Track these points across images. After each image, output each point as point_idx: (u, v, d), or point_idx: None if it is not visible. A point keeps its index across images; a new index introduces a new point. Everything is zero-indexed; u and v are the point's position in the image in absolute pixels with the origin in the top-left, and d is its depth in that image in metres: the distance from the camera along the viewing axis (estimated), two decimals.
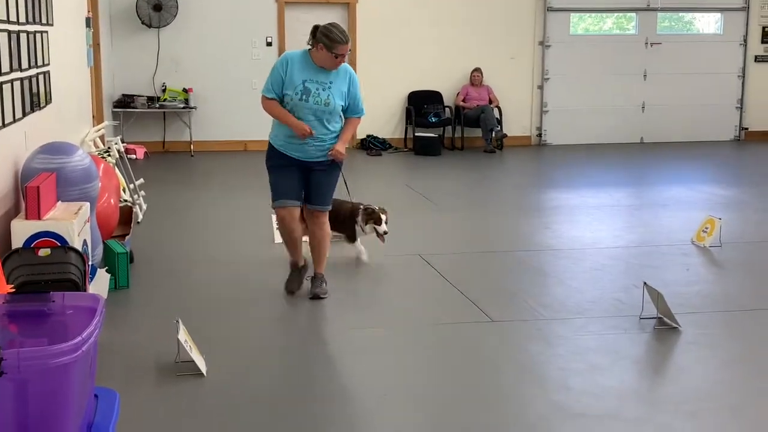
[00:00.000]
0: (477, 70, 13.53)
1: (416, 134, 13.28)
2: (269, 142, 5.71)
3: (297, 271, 5.94)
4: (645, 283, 5.41)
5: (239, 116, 12.57)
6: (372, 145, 13.29)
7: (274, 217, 6.50)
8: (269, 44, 13.07)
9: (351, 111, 5.67)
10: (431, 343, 5.13)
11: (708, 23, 14.75)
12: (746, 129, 14.79)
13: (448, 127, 13.58)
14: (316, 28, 5.43)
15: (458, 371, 4.68)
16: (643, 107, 14.41)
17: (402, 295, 6.11)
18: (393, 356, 4.90)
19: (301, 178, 5.67)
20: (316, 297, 5.76)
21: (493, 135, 13.24)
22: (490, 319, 5.39)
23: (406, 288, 6.31)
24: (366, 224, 6.52)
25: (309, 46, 5.52)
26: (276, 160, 5.66)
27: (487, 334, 5.20)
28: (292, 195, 5.66)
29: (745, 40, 14.54)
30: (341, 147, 5.60)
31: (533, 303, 5.75)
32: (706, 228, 7.38)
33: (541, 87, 14.13)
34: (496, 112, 13.45)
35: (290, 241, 5.85)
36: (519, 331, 5.24)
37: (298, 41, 12.57)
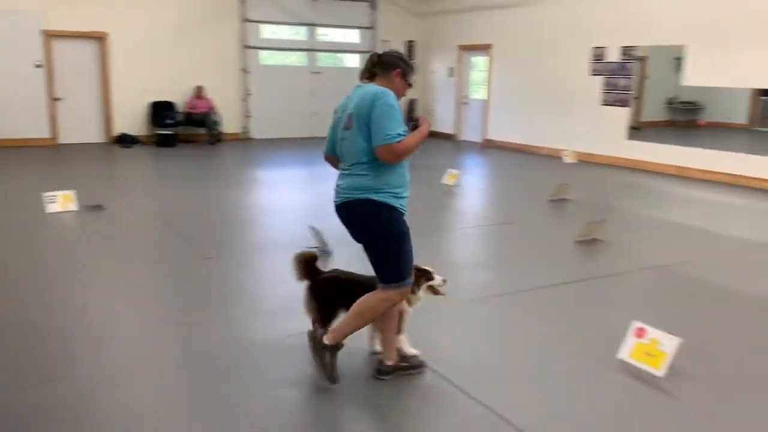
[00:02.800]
0: (200, 87, 13.14)
1: (158, 132, 12.61)
2: (386, 204, 2.99)
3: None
4: (310, 224, 5.64)
5: None
6: (125, 140, 12.47)
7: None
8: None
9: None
10: (165, 280, 4.92)
11: (351, 59, 15.37)
12: None
13: (181, 126, 13.04)
14: (379, 56, 3.14)
15: (191, 300, 4.53)
16: (313, 114, 14.77)
17: (142, 244, 5.82)
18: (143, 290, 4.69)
19: None
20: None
21: (214, 132, 13.08)
22: (207, 257, 5.30)
23: (146, 240, 5.98)
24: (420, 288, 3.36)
25: (363, 80, 3.15)
26: (404, 223, 3.06)
27: (208, 268, 5.09)
28: None
29: None
30: None
31: (243, 245, 5.77)
32: None
33: (245, 99, 14.00)
34: (215, 116, 13.21)
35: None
36: (231, 264, 5.19)
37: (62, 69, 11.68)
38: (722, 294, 4.71)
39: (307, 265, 3.36)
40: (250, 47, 13.87)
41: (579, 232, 6.03)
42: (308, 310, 3.38)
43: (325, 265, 3.58)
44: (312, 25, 14.49)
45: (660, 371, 3.33)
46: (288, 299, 4.34)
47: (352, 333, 3.15)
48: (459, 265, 5.24)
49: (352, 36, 15.17)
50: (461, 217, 7.35)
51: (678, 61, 10.19)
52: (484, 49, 13.97)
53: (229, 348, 3.61)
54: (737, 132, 12.69)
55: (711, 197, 8.62)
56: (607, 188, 9.02)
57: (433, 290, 3.38)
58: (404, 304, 3.28)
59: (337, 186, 3.13)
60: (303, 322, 3.90)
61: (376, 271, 3.07)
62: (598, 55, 11.47)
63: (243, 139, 14.02)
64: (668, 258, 5.55)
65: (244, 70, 13.88)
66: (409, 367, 3.32)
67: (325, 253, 5.33)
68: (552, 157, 11.95)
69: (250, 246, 5.68)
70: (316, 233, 5.44)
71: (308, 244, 5.53)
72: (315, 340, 3.15)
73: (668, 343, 3.38)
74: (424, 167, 10.60)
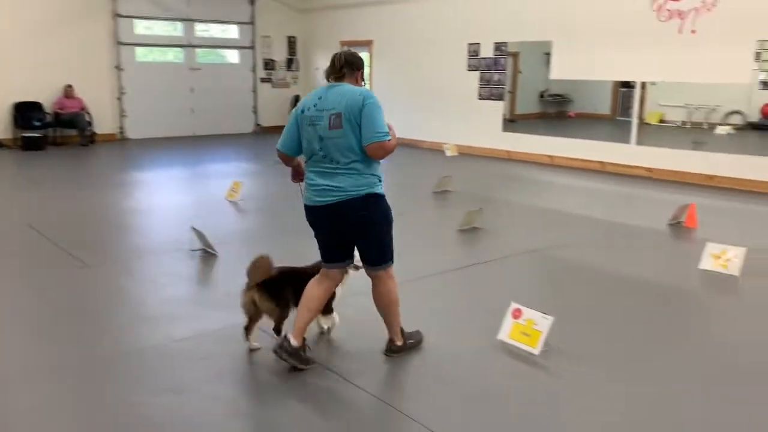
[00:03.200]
0: (69, 85, 12.36)
1: (23, 135, 11.69)
2: (382, 195, 3.29)
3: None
4: (192, 226, 5.49)
5: None
6: None
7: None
8: None
9: None
10: (41, 291, 4.64)
11: (232, 55, 15.02)
12: (260, 125, 15.45)
13: (49, 128, 12.19)
14: (342, 57, 3.26)
15: (69, 311, 4.29)
16: (193, 111, 14.32)
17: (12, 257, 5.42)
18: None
19: None
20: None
21: (86, 133, 12.35)
22: (85, 265, 5.03)
23: (16, 251, 5.54)
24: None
25: (331, 80, 3.27)
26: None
27: (86, 276, 4.84)
28: None
29: (254, 68, 15.12)
30: None
31: (120, 250, 5.52)
32: (234, 188, 7.62)
33: (119, 98, 13.34)
34: (87, 116, 12.47)
35: None
36: (110, 271, 4.96)
37: None
38: (589, 274, 5.06)
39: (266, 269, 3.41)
40: (123, 44, 13.22)
41: (460, 221, 6.26)
42: (266, 312, 3.42)
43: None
44: (188, 20, 14.03)
45: (536, 349, 3.54)
46: (171, 303, 4.22)
47: (399, 319, 3.49)
48: None
49: (232, 31, 14.84)
50: None
51: (548, 57, 10.79)
52: (365, 45, 14.11)
53: (114, 356, 3.45)
54: (602, 122, 13.64)
55: (580, 184, 9.21)
56: (485, 179, 9.40)
57: (355, 266, 3.50)
58: (339, 285, 3.50)
59: (324, 185, 3.19)
60: (187, 326, 3.82)
61: (376, 255, 3.31)
62: (474, 51, 11.91)
63: (119, 140, 13.37)
64: (542, 242, 5.88)
65: (118, 68, 13.22)
66: (416, 342, 3.58)
67: (210, 254, 5.22)
68: (435, 150, 12.29)
69: (129, 251, 5.44)
70: (200, 235, 5.31)
71: (191, 246, 5.40)
72: (391, 348, 3.49)
73: (542, 323, 3.60)
74: None
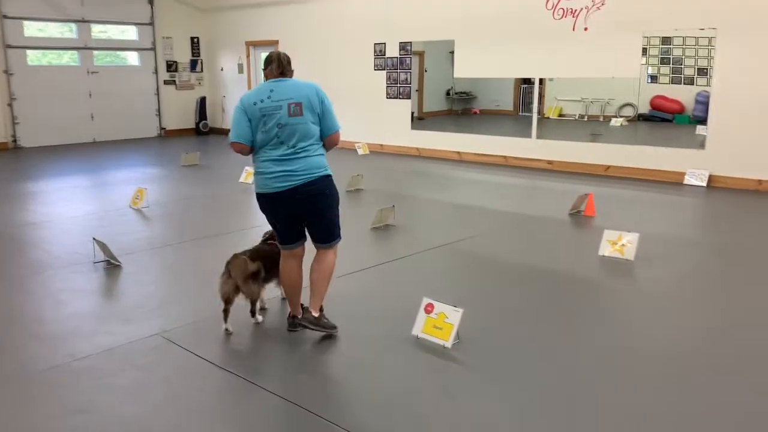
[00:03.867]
0: None
1: None
2: (331, 176, 3.69)
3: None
4: (94, 238, 5.25)
5: None
6: None
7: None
8: None
9: None
10: None
11: (132, 57, 14.44)
12: (165, 128, 14.95)
13: None
14: (285, 56, 3.74)
15: None
16: (92, 117, 13.68)
17: None
18: None
19: None
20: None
21: None
22: None
23: None
24: None
25: (274, 76, 3.65)
26: None
27: None
28: None
29: (156, 70, 14.61)
30: None
31: (14, 265, 5.19)
32: (138, 195, 7.35)
33: (10, 104, 12.55)
34: None
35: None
36: (4, 288, 4.64)
37: None
38: (497, 265, 5.22)
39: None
40: (12, 47, 12.45)
41: (373, 219, 6.29)
42: (249, 295, 3.78)
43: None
44: (83, 21, 13.38)
45: (448, 342, 3.61)
46: (73, 320, 4.01)
47: (323, 297, 3.76)
48: None
49: (131, 33, 14.27)
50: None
51: (452, 55, 11.02)
52: (271, 45, 13.93)
53: (11, 380, 3.24)
54: (506, 118, 14.07)
55: (486, 178, 9.47)
56: (397, 176, 9.50)
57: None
58: None
59: (282, 171, 3.49)
60: (91, 343, 3.65)
61: (328, 233, 3.67)
62: (380, 51, 12.01)
63: (11, 149, 12.58)
64: (452, 236, 6.01)
65: (7, 72, 12.44)
66: (330, 326, 3.78)
67: (113, 265, 5.01)
68: (347, 149, 12.30)
69: (25, 267, 5.12)
70: (102, 246, 5.08)
71: (93, 258, 5.16)
72: (307, 320, 3.72)
73: (453, 315, 3.67)
74: (220, 167, 10.35)
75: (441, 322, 3.69)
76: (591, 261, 5.28)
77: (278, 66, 3.64)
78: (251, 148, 3.60)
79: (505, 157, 10.65)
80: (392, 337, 3.76)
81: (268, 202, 3.61)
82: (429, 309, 3.77)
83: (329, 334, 3.77)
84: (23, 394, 3.12)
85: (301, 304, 3.85)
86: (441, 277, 5.02)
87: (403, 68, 11.77)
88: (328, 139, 3.66)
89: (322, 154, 3.65)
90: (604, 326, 3.99)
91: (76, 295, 4.48)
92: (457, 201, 7.71)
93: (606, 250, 5.39)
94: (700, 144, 8.85)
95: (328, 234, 3.71)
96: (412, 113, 12.02)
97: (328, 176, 3.64)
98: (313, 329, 3.74)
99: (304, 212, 3.61)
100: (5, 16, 12.33)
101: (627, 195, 8.13)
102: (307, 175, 3.53)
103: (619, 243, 5.36)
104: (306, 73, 13.31)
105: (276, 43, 13.76)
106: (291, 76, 3.70)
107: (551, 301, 4.40)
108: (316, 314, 3.74)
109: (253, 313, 3.92)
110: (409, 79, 11.76)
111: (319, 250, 3.75)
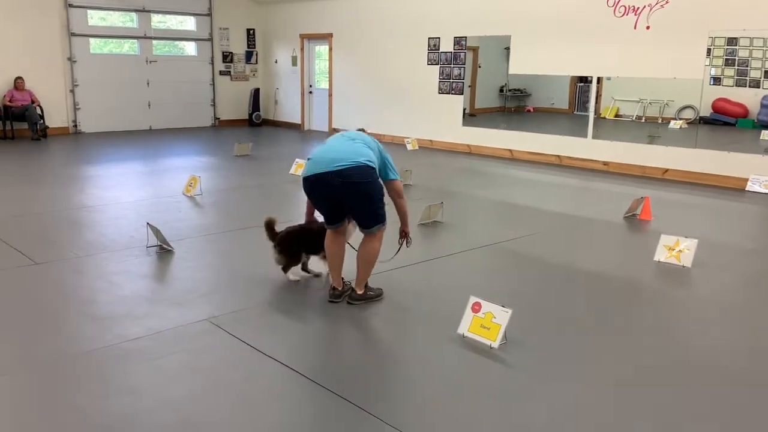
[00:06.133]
0: (20, 78, 11.97)
1: None
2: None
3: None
4: (148, 223, 5.37)
5: None
6: None
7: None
8: None
9: None
10: None
11: (190, 47, 14.73)
12: (219, 118, 15.22)
13: None
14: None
15: (14, 310, 4.12)
16: (149, 105, 14.03)
17: None
18: None
19: None
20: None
21: (38, 127, 11.95)
22: (34, 262, 4.88)
23: None
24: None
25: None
26: None
27: (34, 274, 4.66)
28: None
29: (212, 60, 14.86)
30: None
31: (70, 246, 5.35)
32: (191, 183, 7.48)
33: (72, 91, 12.97)
34: (38, 109, 12.08)
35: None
36: (60, 268, 4.79)
37: None
38: (548, 267, 5.11)
39: (269, 227, 4.37)
40: (76, 35, 12.86)
41: (421, 215, 6.25)
42: (278, 262, 4.42)
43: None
44: (144, 11, 13.71)
45: (495, 342, 3.55)
46: (124, 302, 4.11)
47: (369, 275, 4.11)
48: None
49: (189, 23, 14.56)
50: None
51: (507, 51, 10.86)
52: (324, 38, 14.00)
53: (61, 358, 3.34)
54: (561, 116, 13.81)
55: (539, 177, 9.31)
56: (446, 173, 9.43)
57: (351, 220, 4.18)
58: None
59: (331, 156, 3.82)
60: (141, 325, 3.73)
61: (367, 219, 3.93)
62: (434, 45, 11.93)
63: (72, 134, 13.01)
64: (501, 235, 5.92)
65: (71, 59, 12.85)
66: (374, 295, 4.17)
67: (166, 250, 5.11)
68: (395, 144, 12.28)
69: (81, 249, 5.28)
70: (156, 231, 5.19)
71: (147, 243, 5.28)
72: (351, 297, 4.10)
73: (501, 315, 3.61)
74: (271, 159, 10.47)
75: (488, 321, 3.64)
76: (646, 266, 5.13)
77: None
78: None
79: (559, 156, 10.45)
80: (438, 334, 3.72)
81: (309, 185, 3.91)
82: (476, 308, 3.72)
83: (378, 300, 4.14)
84: (74, 374, 3.21)
85: (347, 282, 4.17)
86: (488, 277, 4.95)
87: (456, 63, 11.67)
88: (393, 185, 4.09)
89: (370, 153, 3.90)
90: (656, 334, 3.86)
91: (128, 277, 4.59)
92: (508, 200, 7.60)
93: (662, 255, 5.23)
94: (765, 149, 8.49)
95: (367, 220, 3.94)
96: (464, 109, 11.91)
97: (370, 166, 3.84)
98: (356, 304, 4.06)
99: (341, 197, 3.85)
100: (71, 5, 12.72)
101: (685, 200, 7.88)
102: (348, 161, 3.78)
103: (676, 249, 5.19)
104: (357, 66, 13.35)
105: (330, 36, 13.83)
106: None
107: (602, 306, 4.29)
108: (360, 291, 4.08)
109: (284, 270, 4.49)
110: (462, 75, 11.66)
111: (365, 235, 4.02)
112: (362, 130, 4.33)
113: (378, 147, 4.03)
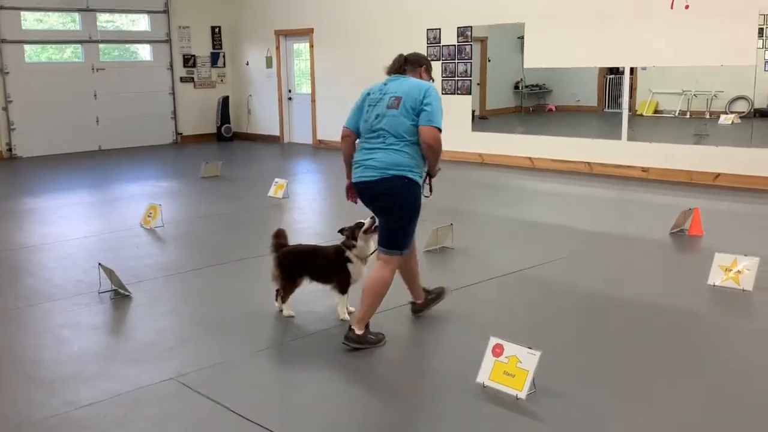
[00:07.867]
0: None
1: None
2: (416, 181, 4.10)
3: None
4: (100, 263, 5.36)
5: None
6: None
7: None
8: None
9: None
10: None
11: (144, 51, 14.85)
12: (181, 134, 15.29)
13: None
14: (402, 57, 4.34)
15: None
16: (97, 121, 14.11)
17: None
18: None
19: None
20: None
21: None
22: None
23: None
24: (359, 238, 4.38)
25: (396, 74, 4.25)
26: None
27: None
28: None
29: (172, 65, 14.98)
30: None
31: (8, 295, 5.34)
32: (150, 213, 7.51)
33: (5, 108, 13.05)
34: None
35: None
36: None
37: None
38: (581, 297, 5.11)
39: (278, 236, 4.60)
40: (7, 41, 12.96)
41: (427, 240, 6.26)
42: (273, 279, 4.58)
43: None
44: (87, 10, 13.82)
45: (522, 392, 3.53)
46: (74, 361, 4.09)
47: (374, 312, 4.13)
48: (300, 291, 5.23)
49: (142, 22, 14.70)
50: (291, 235, 7.34)
51: (521, 42, 10.96)
52: (304, 34, 14.13)
53: (3, 430, 3.33)
54: (589, 115, 13.89)
55: (566, 189, 9.34)
56: (454, 188, 9.45)
57: (366, 231, 4.31)
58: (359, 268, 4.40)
59: (369, 159, 4.04)
60: (95, 388, 3.71)
61: (391, 239, 4.09)
62: (434, 38, 12.04)
63: (7, 159, 13.05)
64: (523, 261, 5.92)
65: (2, 71, 12.96)
66: (375, 341, 4.15)
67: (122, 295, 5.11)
68: None
69: (22, 298, 5.26)
70: (109, 273, 5.19)
71: (99, 287, 5.28)
72: (349, 339, 4.07)
73: (528, 359, 3.60)
74: (245, 179, 10.49)
75: (513, 367, 3.62)
76: (698, 291, 5.13)
77: (393, 63, 4.29)
78: (356, 135, 4.22)
79: (588, 163, 10.50)
80: (453, 385, 3.71)
81: (358, 191, 4.19)
82: (498, 351, 3.71)
83: (380, 346, 4.14)
84: None
85: (423, 295, 4.63)
86: (511, 312, 4.94)
87: (461, 58, 11.77)
88: (421, 131, 3.98)
89: (409, 154, 4.02)
90: (715, 373, 3.85)
91: (78, 331, 4.57)
92: (530, 218, 7.61)
93: (717, 278, 5.23)
94: None
95: (386, 238, 4.12)
96: (473, 112, 11.99)
97: (404, 178, 4.00)
98: (351, 347, 4.05)
99: (375, 208, 4.17)
100: (1, 7, 12.83)
101: (742, 210, 7.90)
102: (381, 170, 4.00)
103: (734, 269, 5.19)
104: (342, 65, 13.44)
105: (310, 31, 13.96)
106: (415, 75, 4.28)
107: (649, 343, 4.28)
108: (359, 332, 4.07)
109: (282, 300, 4.62)
110: (468, 71, 11.75)
111: (378, 256, 4.16)
112: (407, 62, 4.31)
113: (422, 93, 4.03)
